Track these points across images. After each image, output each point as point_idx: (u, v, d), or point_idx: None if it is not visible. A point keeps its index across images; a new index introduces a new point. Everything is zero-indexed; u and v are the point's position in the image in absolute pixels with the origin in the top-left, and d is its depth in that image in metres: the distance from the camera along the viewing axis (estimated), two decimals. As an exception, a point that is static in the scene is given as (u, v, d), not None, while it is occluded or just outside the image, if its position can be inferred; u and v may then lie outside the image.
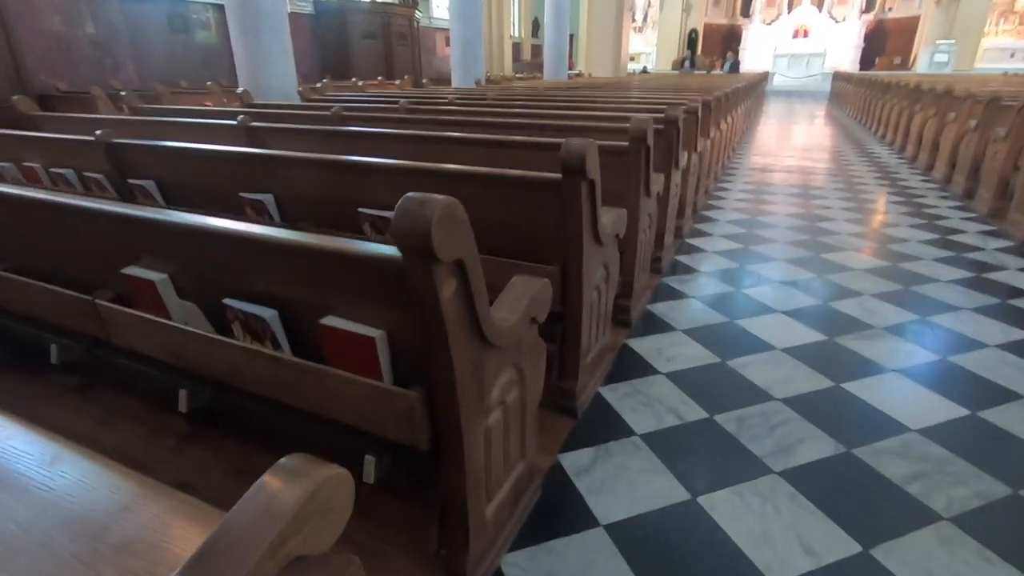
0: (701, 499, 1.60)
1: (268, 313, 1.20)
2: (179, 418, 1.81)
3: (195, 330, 1.37)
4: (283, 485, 0.83)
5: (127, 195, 2.59)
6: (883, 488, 1.65)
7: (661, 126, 2.80)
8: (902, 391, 2.13)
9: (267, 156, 2.23)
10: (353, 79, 9.72)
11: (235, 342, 1.31)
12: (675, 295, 3.03)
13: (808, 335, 2.55)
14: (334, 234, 2.14)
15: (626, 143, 2.30)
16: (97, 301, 1.54)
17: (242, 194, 2.21)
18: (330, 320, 1.15)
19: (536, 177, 1.70)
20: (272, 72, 5.69)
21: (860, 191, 5.44)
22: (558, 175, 1.65)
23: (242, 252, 1.25)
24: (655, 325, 2.67)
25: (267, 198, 2.20)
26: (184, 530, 0.65)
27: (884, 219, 4.49)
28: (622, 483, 1.66)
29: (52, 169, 2.83)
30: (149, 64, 9.17)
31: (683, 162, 3.31)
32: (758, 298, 2.97)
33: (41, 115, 4.05)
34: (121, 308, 1.49)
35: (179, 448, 1.76)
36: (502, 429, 1.33)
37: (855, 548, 1.44)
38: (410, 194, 0.92)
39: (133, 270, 1.42)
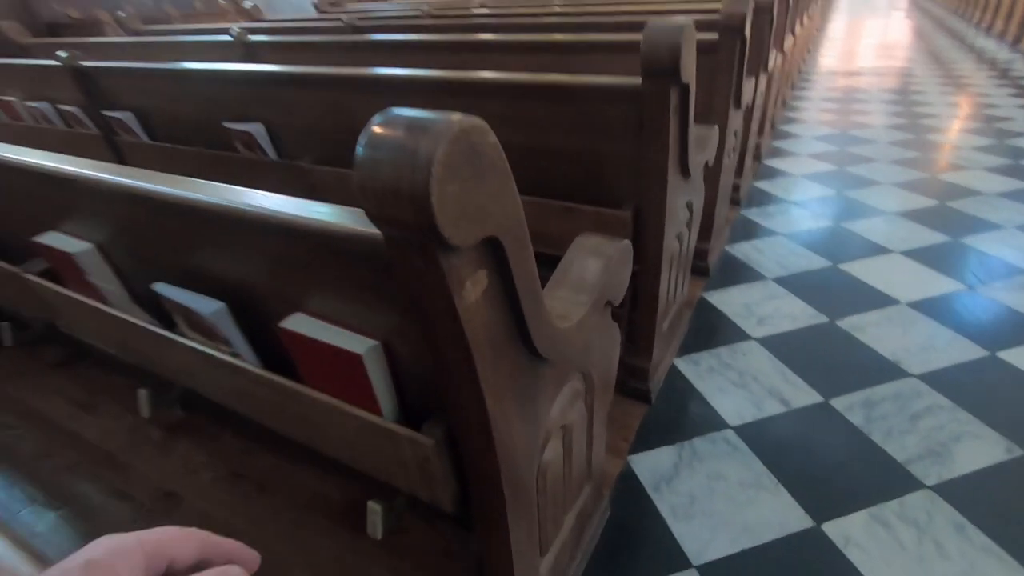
0: (828, 527, 1.18)
1: (210, 308, 0.80)
2: (169, 403, 1.51)
3: (135, 320, 0.99)
4: None
5: (105, 129, 2.20)
6: (1087, 512, 1.19)
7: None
8: (1084, 362, 1.61)
9: (256, 74, 1.77)
10: (378, -11, 8.88)
11: (184, 341, 0.93)
12: (759, 232, 2.49)
13: (940, 283, 2.01)
14: (338, 171, 1.72)
15: (710, 35, 1.72)
16: (25, 275, 1.18)
17: (226, 124, 1.79)
18: (296, 322, 0.74)
19: (602, 84, 1.19)
20: (284, -18, 5.08)
21: (972, 95, 4.53)
22: (633, 80, 1.14)
23: (167, 220, 0.84)
24: (738, 272, 2.18)
25: (256, 128, 1.76)
26: None
27: (1010, 127, 3.68)
28: (718, 501, 1.25)
29: (28, 103, 2.46)
30: (165, -15, 8.58)
31: (771, 63, 2.66)
32: (865, 234, 2.40)
33: (35, 43, 3.64)
34: (50, 285, 1.13)
35: (166, 444, 1.46)
36: (562, 460, 0.93)
37: (1065, 612, 1.02)
38: (392, 111, 0.47)
39: (49, 237, 1.03)
